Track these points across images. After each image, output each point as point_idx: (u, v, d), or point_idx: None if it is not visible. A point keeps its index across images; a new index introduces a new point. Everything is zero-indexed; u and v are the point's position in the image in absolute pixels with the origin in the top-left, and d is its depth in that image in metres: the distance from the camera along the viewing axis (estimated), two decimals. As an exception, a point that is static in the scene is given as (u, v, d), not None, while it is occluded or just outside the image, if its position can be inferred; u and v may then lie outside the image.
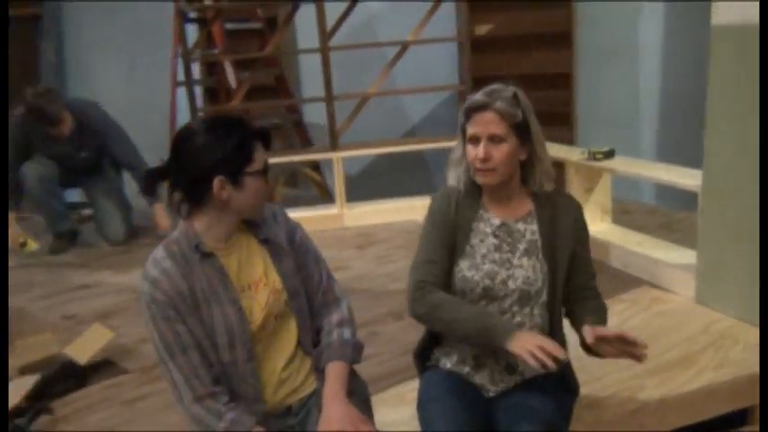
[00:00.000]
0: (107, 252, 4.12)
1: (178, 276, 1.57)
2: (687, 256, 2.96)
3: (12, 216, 4.00)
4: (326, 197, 5.26)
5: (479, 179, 1.77)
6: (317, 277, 1.77)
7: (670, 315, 2.71)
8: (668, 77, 5.18)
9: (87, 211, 4.64)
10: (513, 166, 1.78)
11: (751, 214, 2.37)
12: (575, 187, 3.48)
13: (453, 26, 5.22)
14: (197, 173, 1.56)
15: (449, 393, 1.77)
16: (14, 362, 2.59)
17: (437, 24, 4.78)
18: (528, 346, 1.59)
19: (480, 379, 1.83)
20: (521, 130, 1.75)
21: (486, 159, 1.73)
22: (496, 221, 1.82)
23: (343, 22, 4.56)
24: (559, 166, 3.54)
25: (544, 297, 1.83)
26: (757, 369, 2.17)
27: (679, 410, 2.12)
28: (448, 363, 1.87)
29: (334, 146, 4.37)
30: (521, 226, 1.83)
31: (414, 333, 1.98)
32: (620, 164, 3.33)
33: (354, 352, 1.74)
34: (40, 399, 2.38)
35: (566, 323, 1.90)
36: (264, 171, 1.62)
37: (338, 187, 4.31)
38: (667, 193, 4.16)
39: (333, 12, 4.57)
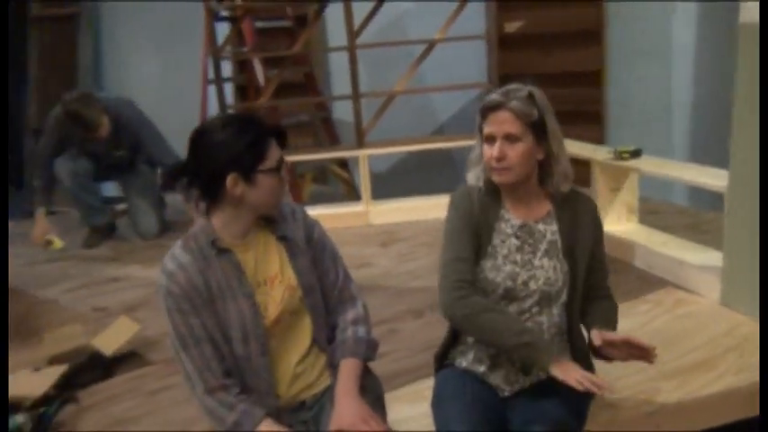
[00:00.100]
0: (139, 246, 4.19)
1: (194, 271, 1.61)
2: (713, 257, 2.91)
3: (41, 211, 4.06)
4: (354, 194, 5.29)
5: (495, 178, 1.78)
6: (334, 275, 1.78)
7: (693, 317, 2.68)
8: (701, 77, 5.10)
9: (122, 206, 4.73)
10: (529, 165, 1.77)
11: (776, 216, 2.33)
12: (600, 186, 3.45)
13: (483, 24, 5.20)
14: (211, 170, 1.60)
15: (464, 392, 1.78)
16: (44, 352, 2.67)
17: (466, 22, 4.77)
18: (575, 375, 1.64)
19: (495, 379, 1.83)
20: (537, 130, 1.75)
21: (500, 158, 1.73)
22: (517, 222, 1.82)
23: (369, 21, 4.59)
24: (585, 164, 3.52)
25: (564, 297, 1.83)
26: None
27: (696, 414, 2.10)
28: (464, 362, 1.87)
29: (360, 143, 4.40)
30: (541, 227, 1.83)
31: (432, 331, 1.99)
32: (646, 163, 3.29)
33: (368, 349, 1.76)
34: (67, 388, 2.45)
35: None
36: (278, 169, 1.64)
37: (364, 185, 4.33)
38: (698, 193, 4.10)
39: (362, 10, 4.60)
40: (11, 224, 4.52)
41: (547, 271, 1.80)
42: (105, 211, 4.48)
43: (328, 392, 1.73)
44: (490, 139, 1.75)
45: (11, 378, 2.48)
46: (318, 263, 1.76)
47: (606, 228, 3.41)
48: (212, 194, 1.63)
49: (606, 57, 5.15)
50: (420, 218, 4.22)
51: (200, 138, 1.62)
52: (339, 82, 5.68)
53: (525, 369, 1.82)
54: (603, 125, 5.17)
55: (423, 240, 3.90)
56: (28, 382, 2.41)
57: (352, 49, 4.25)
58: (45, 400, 2.32)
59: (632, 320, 2.66)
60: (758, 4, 2.36)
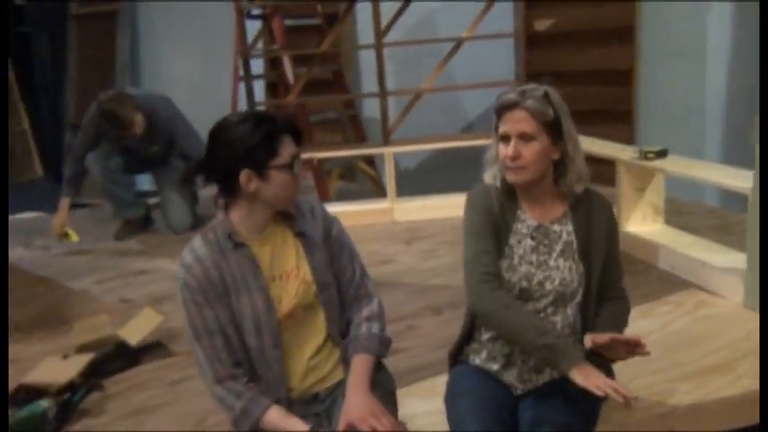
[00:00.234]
0: (168, 240, 4.25)
1: (210, 263, 1.66)
2: (738, 259, 2.87)
3: (65, 201, 4.12)
4: (380, 191, 5.32)
5: (510, 177, 1.78)
6: (350, 272, 1.81)
7: (715, 319, 2.65)
8: (735, 77, 5.00)
9: (154, 200, 4.83)
10: (544, 165, 1.77)
11: (799, 218, 2.29)
12: (624, 186, 3.42)
13: (512, 22, 5.19)
14: (226, 165, 1.64)
15: (477, 389, 1.79)
16: (72, 341, 2.75)
17: (497, 20, 4.77)
18: (595, 381, 1.61)
19: (509, 377, 1.83)
20: (553, 129, 1.75)
21: (515, 157, 1.73)
22: (533, 223, 1.82)
23: (396, 20, 4.62)
24: (611, 164, 3.49)
25: (579, 298, 1.83)
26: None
27: (711, 416, 2.08)
28: (477, 359, 1.88)
29: (385, 141, 4.43)
30: (557, 227, 1.83)
31: (450, 328, 2.00)
32: (671, 164, 3.24)
33: (381, 346, 1.78)
34: (93, 376, 2.53)
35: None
36: (291, 165, 1.66)
37: (389, 182, 4.36)
38: (730, 194, 4.03)
39: (392, 9, 4.63)
40: (47, 216, 4.67)
41: (562, 272, 1.80)
42: (138, 204, 4.57)
43: (341, 386, 1.75)
44: (505, 139, 1.75)
45: (40, 365, 2.57)
46: (336, 260, 1.79)
47: (630, 228, 3.43)
48: (228, 189, 1.67)
49: (638, 56, 5.08)
50: (444, 216, 4.23)
51: (217, 134, 1.67)
52: (369, 80, 5.72)
53: (538, 368, 1.82)
54: (633, 125, 5.11)
55: (446, 238, 3.91)
56: (55, 369, 2.49)
57: (379, 47, 4.28)
58: (71, 386, 2.40)
59: (652, 322, 2.64)
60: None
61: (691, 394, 2.12)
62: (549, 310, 1.81)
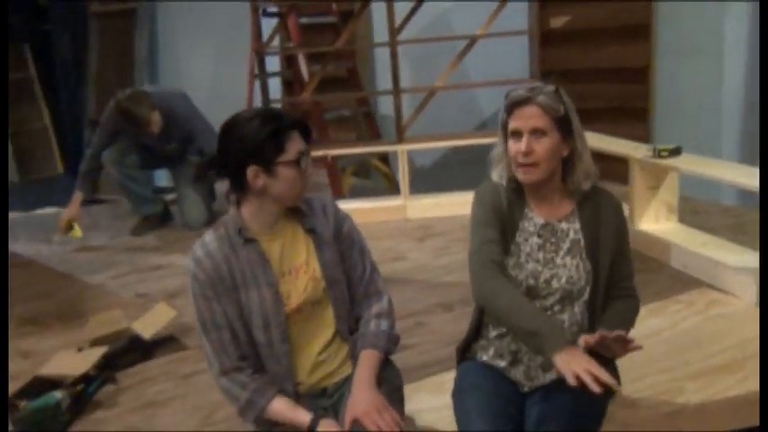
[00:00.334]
0: (184, 236, 4.29)
1: (220, 258, 1.69)
2: (751, 258, 2.85)
3: (77, 195, 4.17)
4: (394, 189, 5.33)
5: (521, 175, 1.77)
6: (361, 269, 1.83)
7: (726, 319, 2.63)
8: (754, 76, 4.94)
9: (171, 196, 4.88)
10: (555, 161, 1.77)
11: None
12: (638, 184, 3.40)
13: (527, 20, 5.16)
14: (234, 161, 1.66)
15: (484, 385, 1.79)
16: (87, 334, 2.80)
17: (513, 18, 4.76)
18: (574, 366, 1.56)
19: (516, 374, 1.84)
20: (563, 126, 1.75)
21: (528, 153, 1.73)
22: (540, 221, 1.83)
23: (410, 18, 4.63)
24: (625, 162, 3.48)
25: (586, 296, 1.82)
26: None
27: (718, 416, 2.07)
28: (485, 356, 1.88)
29: (399, 138, 4.44)
30: (564, 225, 1.83)
31: (461, 324, 2.00)
32: (685, 162, 3.23)
33: (388, 342, 1.79)
34: (107, 369, 2.58)
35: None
36: (298, 161, 1.67)
37: (402, 179, 4.37)
38: (747, 193, 3.99)
39: (407, 6, 4.65)
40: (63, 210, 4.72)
41: (569, 270, 1.80)
42: (156, 200, 4.62)
43: (348, 381, 1.77)
44: (516, 135, 1.75)
45: (55, 357, 2.63)
46: (346, 257, 1.81)
47: (643, 226, 3.41)
48: (238, 185, 1.70)
49: (654, 53, 5.05)
50: (457, 213, 4.23)
51: (226, 130, 1.69)
52: (384, 78, 5.73)
53: (545, 366, 1.82)
54: (649, 123, 5.08)
55: (458, 236, 3.91)
56: (70, 362, 2.54)
57: (393, 45, 4.30)
58: (86, 379, 2.45)
59: (662, 320, 2.64)
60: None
61: (698, 393, 2.12)
62: (557, 308, 1.81)
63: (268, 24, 5.15)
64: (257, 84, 4.87)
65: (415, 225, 4.25)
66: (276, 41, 5.38)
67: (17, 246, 4.35)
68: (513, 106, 1.76)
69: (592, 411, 1.76)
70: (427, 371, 2.42)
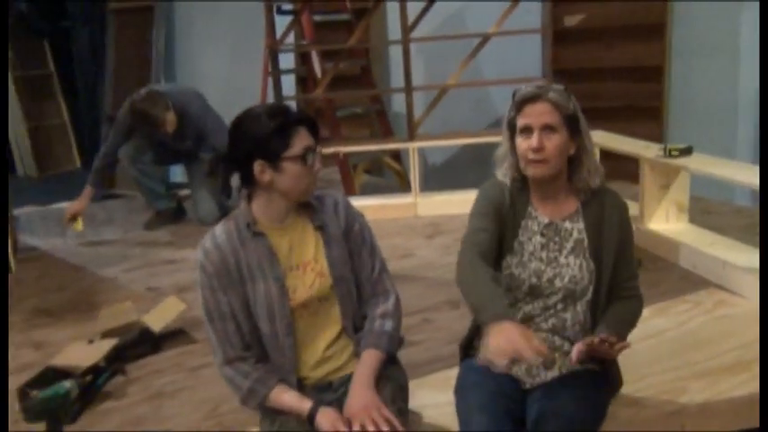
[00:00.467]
0: (197, 231, 4.30)
1: (228, 250, 1.71)
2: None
3: (87, 189, 4.22)
4: (406, 186, 5.35)
5: (530, 171, 1.77)
6: (369, 268, 1.84)
7: (732, 319, 2.62)
8: (769, 76, 4.90)
9: (185, 192, 4.93)
10: (563, 159, 1.78)
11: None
12: (648, 184, 3.39)
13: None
14: (242, 156, 1.69)
15: (485, 382, 1.79)
16: (99, 326, 2.84)
17: (525, 17, 4.75)
18: (503, 343, 1.52)
19: (517, 371, 1.84)
20: (571, 124, 1.76)
21: (539, 149, 1.73)
22: (544, 220, 1.84)
23: (422, 17, 4.65)
24: (636, 161, 3.47)
25: (589, 296, 1.83)
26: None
27: (721, 416, 2.06)
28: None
29: (410, 136, 4.45)
30: (568, 225, 1.83)
31: (466, 322, 2.00)
32: (695, 162, 3.21)
33: (391, 343, 1.80)
34: (117, 360, 2.62)
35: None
36: (303, 156, 1.68)
37: (413, 177, 4.38)
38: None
39: (421, 5, 4.66)
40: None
41: (572, 269, 1.80)
42: (170, 196, 4.68)
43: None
44: (526, 131, 1.75)
45: (66, 348, 2.67)
46: (356, 255, 1.82)
47: (653, 226, 3.41)
48: (247, 180, 1.72)
49: (669, 52, 5.01)
50: (467, 211, 4.18)
51: (235, 126, 1.72)
52: (398, 75, 5.72)
53: (547, 363, 1.82)
54: (663, 122, 5.04)
55: (467, 233, 3.91)
56: (81, 353, 2.59)
57: (405, 43, 4.31)
58: (96, 370, 2.49)
59: (669, 320, 2.63)
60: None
61: (702, 393, 2.11)
62: (559, 306, 1.82)
63: (283, 22, 5.19)
64: (271, 80, 4.90)
65: (425, 222, 4.26)
66: (291, 38, 5.42)
67: (34, 239, 4.43)
68: (523, 103, 1.76)
69: (593, 409, 1.77)
70: (432, 367, 2.43)
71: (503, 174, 1.87)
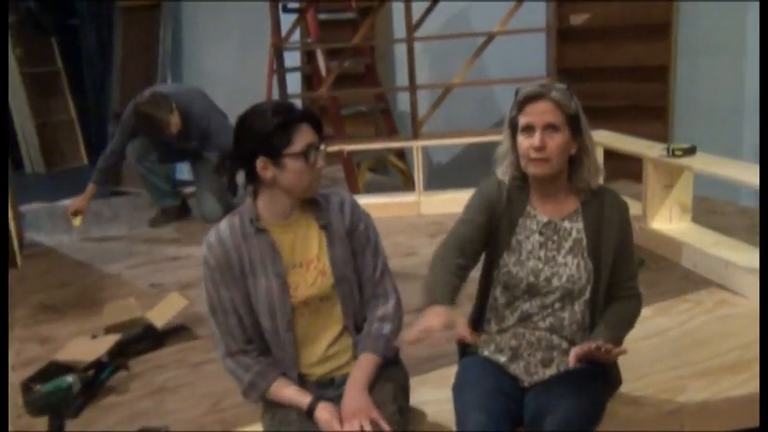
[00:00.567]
0: (202, 228, 4.32)
1: (231, 245, 1.73)
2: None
3: (90, 187, 4.28)
4: (411, 185, 5.35)
5: (532, 169, 1.78)
6: (371, 269, 1.84)
7: (733, 319, 2.62)
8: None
9: (190, 189, 4.96)
10: (564, 158, 1.78)
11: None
12: (651, 183, 3.39)
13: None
14: (245, 153, 1.70)
15: (484, 380, 1.80)
16: (102, 322, 2.87)
17: (530, 16, 4.74)
18: (425, 321, 1.64)
19: (515, 369, 1.85)
20: (573, 123, 1.77)
21: (541, 148, 1.73)
22: (543, 219, 1.84)
23: (427, 16, 4.66)
24: (640, 161, 3.46)
25: (587, 295, 1.83)
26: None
27: (721, 415, 2.06)
28: (485, 351, 1.90)
29: (415, 135, 4.46)
30: (567, 224, 1.84)
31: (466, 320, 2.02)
32: (699, 161, 3.21)
33: (386, 347, 1.81)
34: (120, 356, 2.64)
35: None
36: (305, 153, 1.69)
37: (417, 175, 4.39)
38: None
39: (426, 4, 4.65)
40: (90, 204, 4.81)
41: (570, 268, 1.81)
42: (175, 194, 4.71)
43: (352, 379, 1.80)
44: (529, 130, 1.75)
45: (70, 343, 2.70)
46: (359, 255, 1.83)
47: (656, 225, 3.41)
48: (251, 176, 1.73)
49: (674, 52, 5.00)
50: (471, 210, 4.24)
51: (239, 123, 1.73)
52: (403, 74, 5.73)
53: (545, 361, 1.84)
54: (668, 122, 5.03)
55: (471, 232, 3.92)
56: (84, 348, 2.61)
57: (409, 41, 4.32)
58: (99, 365, 2.51)
59: (670, 319, 2.63)
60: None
61: (701, 393, 2.11)
62: (557, 305, 1.83)
63: (288, 20, 5.20)
64: (276, 78, 4.92)
65: (429, 221, 4.26)
66: (297, 36, 5.43)
67: (40, 235, 4.46)
68: (525, 101, 1.76)
69: (591, 407, 1.77)
70: (433, 364, 2.43)
71: (502, 172, 1.87)
